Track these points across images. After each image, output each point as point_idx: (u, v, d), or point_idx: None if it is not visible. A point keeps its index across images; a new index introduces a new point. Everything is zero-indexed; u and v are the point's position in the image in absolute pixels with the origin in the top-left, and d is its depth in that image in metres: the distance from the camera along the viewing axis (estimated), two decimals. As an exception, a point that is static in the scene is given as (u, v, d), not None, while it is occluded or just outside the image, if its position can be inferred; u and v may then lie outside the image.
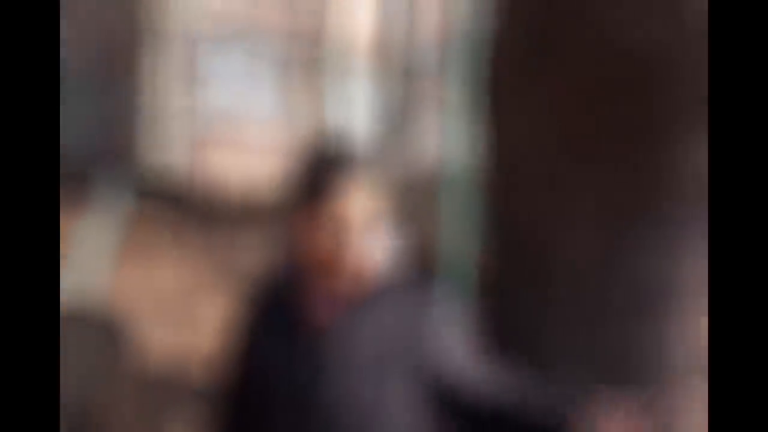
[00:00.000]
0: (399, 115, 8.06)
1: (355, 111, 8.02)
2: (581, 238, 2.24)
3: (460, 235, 2.93)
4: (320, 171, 1.90)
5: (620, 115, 2.19)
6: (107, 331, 4.96)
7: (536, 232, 2.31)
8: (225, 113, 8.01)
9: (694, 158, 2.20)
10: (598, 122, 2.21)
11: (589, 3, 2.18)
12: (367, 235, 1.91)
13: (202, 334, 4.96)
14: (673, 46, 2.16)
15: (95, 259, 5.95)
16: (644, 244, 2.22)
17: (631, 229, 2.21)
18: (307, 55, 8.25)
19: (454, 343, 1.94)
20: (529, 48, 2.28)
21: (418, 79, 8.06)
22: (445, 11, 7.92)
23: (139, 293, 5.64)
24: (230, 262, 6.18)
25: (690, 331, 2.31)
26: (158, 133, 7.54)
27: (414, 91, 8.08)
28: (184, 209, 7.03)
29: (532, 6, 2.28)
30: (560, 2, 2.22)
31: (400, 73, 8.15)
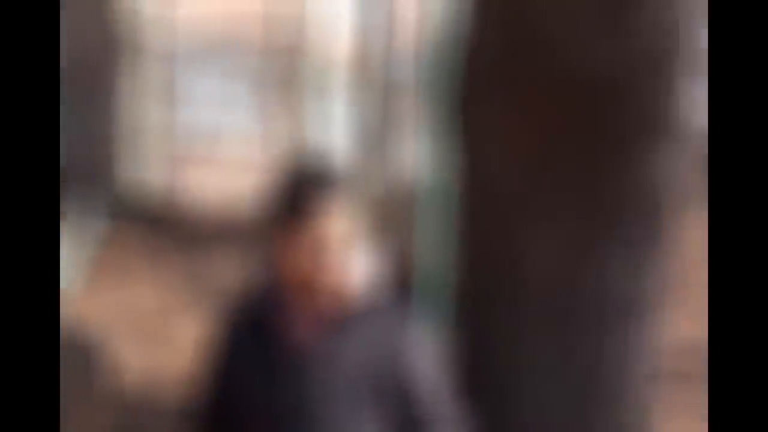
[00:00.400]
0: (377, 131, 8.04)
1: (334, 127, 8.00)
2: (552, 254, 2.31)
3: (436, 251, 2.97)
4: (300, 190, 1.88)
5: (588, 135, 2.27)
6: (82, 352, 4.89)
7: (509, 247, 2.37)
8: (203, 130, 7.97)
9: (655, 176, 2.29)
10: (568, 142, 2.29)
11: (557, 28, 2.25)
12: (347, 254, 1.90)
13: (180, 354, 4.90)
14: (636, 66, 2.23)
15: (70, 277, 5.88)
16: (610, 258, 2.30)
17: (598, 244, 2.31)
18: (285, 71, 8.23)
19: (427, 372, 1.93)
20: (502, 67, 2.34)
21: (397, 95, 8.05)
22: (422, 28, 7.95)
23: (115, 312, 5.57)
24: (208, 281, 6.11)
25: (653, 341, 2.40)
26: (135, 151, 7.49)
27: (393, 107, 8.08)
28: (161, 227, 6.97)
29: (505, 25, 2.34)
30: (531, 26, 2.28)
31: (379, 89, 8.14)
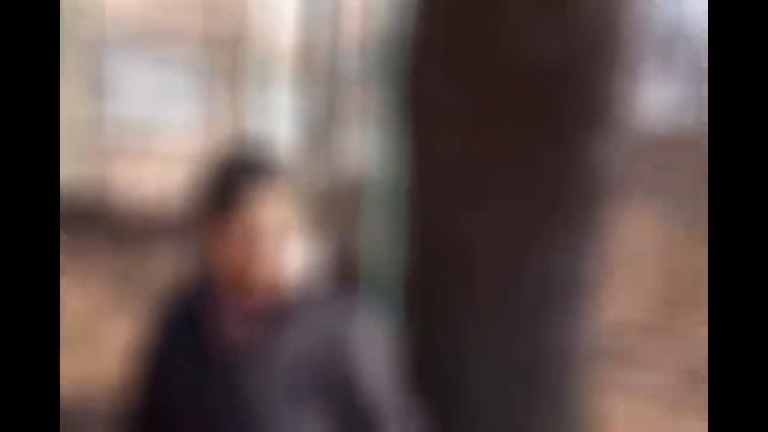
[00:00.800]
0: (323, 123, 8.00)
1: (278, 119, 7.91)
2: (498, 241, 2.42)
3: (383, 244, 2.97)
4: (230, 177, 1.81)
5: (531, 123, 2.37)
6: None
7: (457, 237, 2.46)
8: (137, 122, 7.76)
9: (594, 163, 2.42)
10: (512, 129, 2.38)
11: (501, 19, 2.35)
12: (284, 246, 1.83)
13: (109, 358, 4.80)
14: (576, 57, 2.36)
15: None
16: (552, 243, 2.42)
17: (540, 230, 2.42)
18: (227, 61, 8.07)
19: (372, 364, 1.88)
20: (448, 58, 2.42)
21: (343, 86, 8.04)
22: (368, 18, 7.88)
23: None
24: (141, 280, 5.99)
25: (593, 321, 2.56)
26: (65, 144, 7.24)
27: (338, 98, 8.04)
28: (90, 224, 6.81)
29: (451, 16, 2.43)
30: (476, 16, 2.38)
31: (325, 81, 8.11)
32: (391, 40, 2.63)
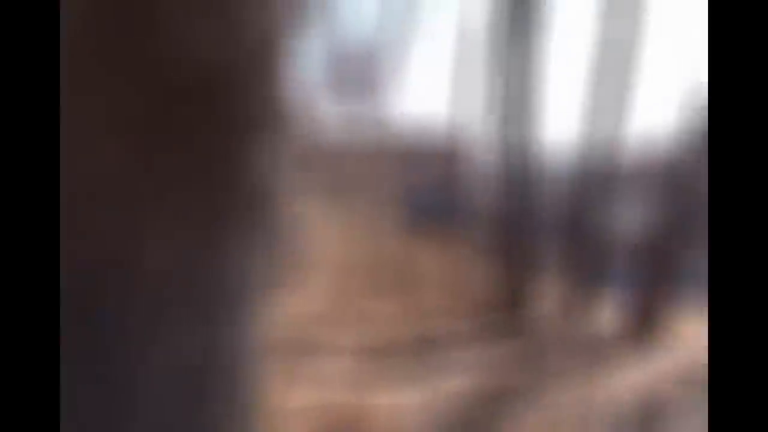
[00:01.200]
0: None
1: None
2: (170, 246, 2.36)
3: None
4: None
5: (200, 122, 2.31)
6: None
7: (124, 244, 2.35)
8: None
9: (265, 168, 2.42)
10: (181, 129, 2.29)
11: (158, 19, 2.23)
12: None
13: None
14: (241, 60, 2.32)
15: None
16: (226, 249, 2.41)
17: (213, 232, 2.40)
18: None
19: None
20: (105, 58, 2.26)
21: None
22: None
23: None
24: None
25: (269, 317, 2.57)
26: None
27: None
28: None
29: (104, 15, 2.23)
30: (129, 16, 2.23)
31: None
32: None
